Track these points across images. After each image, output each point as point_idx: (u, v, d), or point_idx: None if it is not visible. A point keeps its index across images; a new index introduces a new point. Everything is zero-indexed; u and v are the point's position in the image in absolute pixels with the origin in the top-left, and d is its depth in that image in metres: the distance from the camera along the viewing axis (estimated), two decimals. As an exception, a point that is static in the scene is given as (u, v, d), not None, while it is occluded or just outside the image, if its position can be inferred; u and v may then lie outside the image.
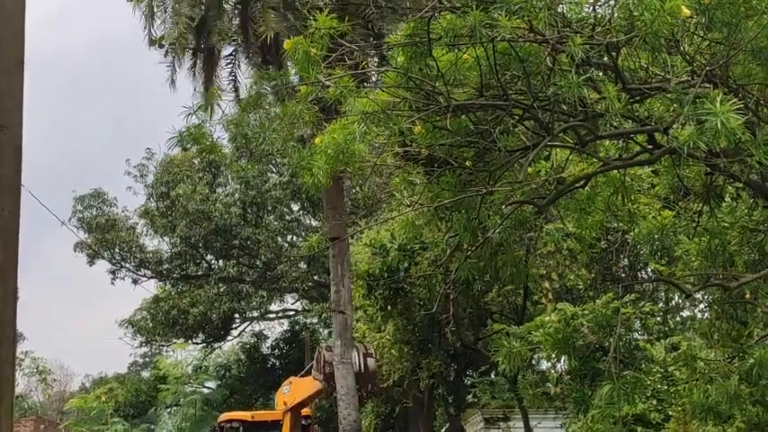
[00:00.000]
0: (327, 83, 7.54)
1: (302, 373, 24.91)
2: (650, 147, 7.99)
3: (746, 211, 9.84)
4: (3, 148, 5.97)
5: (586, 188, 8.67)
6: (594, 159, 8.50)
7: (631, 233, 10.46)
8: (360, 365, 21.97)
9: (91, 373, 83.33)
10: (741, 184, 9.00)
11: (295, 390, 23.44)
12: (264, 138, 39.57)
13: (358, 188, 39.31)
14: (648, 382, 13.36)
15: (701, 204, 9.43)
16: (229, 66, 24.09)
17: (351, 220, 39.05)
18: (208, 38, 22.86)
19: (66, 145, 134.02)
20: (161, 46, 23.36)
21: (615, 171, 8.58)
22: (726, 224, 9.61)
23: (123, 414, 47.07)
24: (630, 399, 9.28)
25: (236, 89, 23.30)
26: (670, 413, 16.12)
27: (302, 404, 24.07)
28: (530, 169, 8.17)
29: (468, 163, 8.26)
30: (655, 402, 16.63)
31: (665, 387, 15.15)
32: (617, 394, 8.62)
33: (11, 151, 5.69)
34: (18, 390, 55.86)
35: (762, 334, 10.57)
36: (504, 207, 8.38)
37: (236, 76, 23.95)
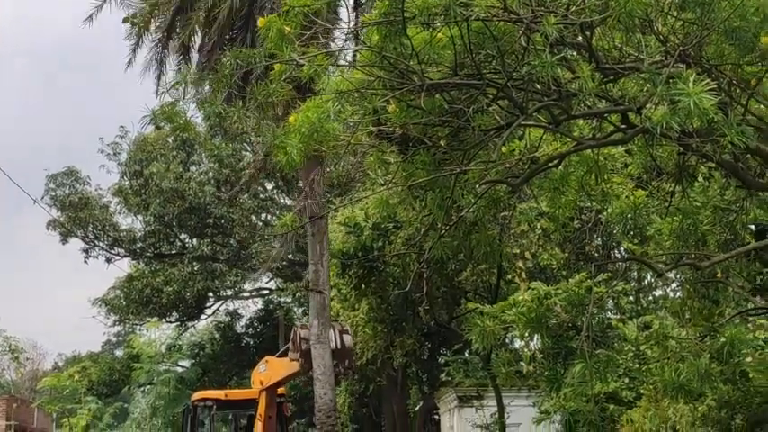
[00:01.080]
0: (301, 61, 7.51)
1: (279, 353, 24.87)
2: (624, 126, 8.01)
3: (719, 191, 9.90)
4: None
5: (560, 167, 8.69)
6: (568, 139, 8.52)
7: (604, 213, 10.50)
8: (336, 342, 21.97)
9: (64, 352, 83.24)
10: (714, 165, 9.05)
11: (272, 369, 23.40)
12: (238, 116, 39.43)
13: (332, 167, 39.23)
14: (620, 361, 13.44)
15: (673, 184, 9.47)
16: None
17: (325, 199, 38.99)
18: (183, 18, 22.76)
19: (38, 123, 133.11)
20: (133, 24, 23.21)
21: (589, 151, 8.60)
22: (698, 204, 9.67)
23: (97, 393, 46.98)
24: (603, 377, 9.34)
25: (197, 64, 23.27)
26: (642, 391, 16.23)
27: (278, 383, 24.06)
28: (504, 149, 8.18)
29: (442, 142, 8.25)
30: (627, 380, 16.73)
31: (637, 365, 15.24)
32: (589, 372, 8.67)
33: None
34: (-10, 368, 55.67)
35: (733, 313, 10.66)
36: (478, 186, 8.39)
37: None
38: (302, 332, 22.10)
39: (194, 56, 23.70)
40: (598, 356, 9.07)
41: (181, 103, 8.02)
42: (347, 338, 22.38)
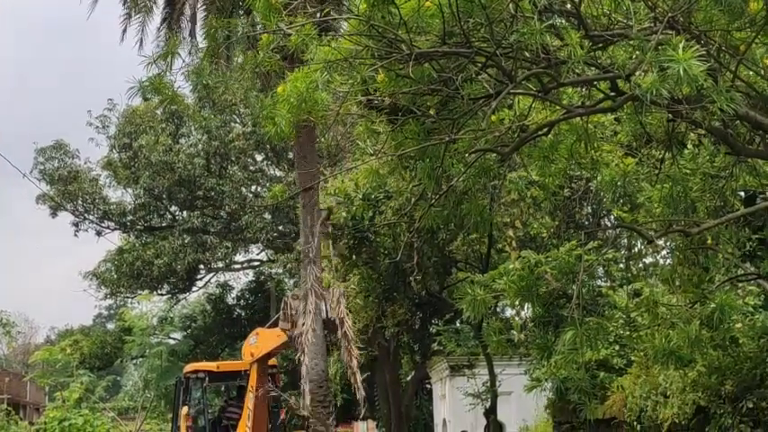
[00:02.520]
0: (289, 31, 7.46)
1: (269, 324, 24.87)
2: (613, 94, 8.00)
3: (708, 157, 9.90)
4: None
5: (549, 136, 8.68)
6: (557, 107, 8.50)
7: (594, 181, 10.49)
8: (327, 312, 22.02)
9: (56, 326, 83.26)
10: (703, 131, 9.04)
11: (262, 341, 23.43)
12: (226, 87, 39.29)
13: (321, 137, 39.16)
14: (611, 328, 13.48)
15: (663, 151, 9.47)
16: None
17: (315, 170, 38.90)
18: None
19: (26, 96, 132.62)
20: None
21: (578, 118, 8.58)
22: (688, 171, 9.67)
23: (89, 366, 47.00)
24: (593, 344, 9.37)
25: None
26: (632, 358, 16.30)
27: (269, 355, 24.10)
28: (493, 117, 8.15)
29: (431, 111, 8.23)
30: (617, 348, 16.80)
31: (628, 333, 15.29)
32: (580, 340, 8.69)
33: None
34: (-18, 343, 55.68)
35: (722, 279, 10.68)
36: (467, 155, 8.37)
37: (194, 25, 23.77)
38: (293, 303, 22.10)
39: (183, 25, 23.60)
40: (589, 324, 9.09)
41: (168, 74, 7.98)
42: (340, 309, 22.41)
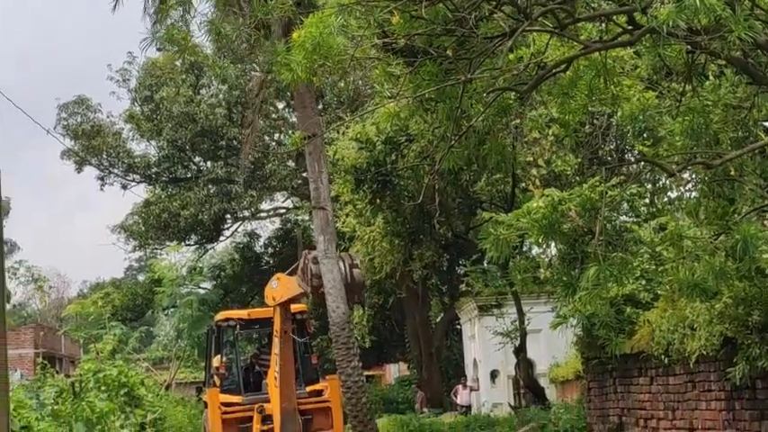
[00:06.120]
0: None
1: (290, 270, 24.81)
2: (630, 27, 7.93)
3: (730, 88, 9.80)
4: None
5: (568, 72, 8.62)
6: (575, 43, 8.44)
7: (615, 116, 10.42)
8: (347, 276, 21.84)
9: (88, 279, 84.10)
10: (724, 62, 8.96)
11: (282, 286, 23.41)
12: (237, 35, 39.12)
13: (341, 82, 39.04)
14: (636, 263, 13.47)
15: (683, 84, 9.39)
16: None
17: (335, 115, 38.87)
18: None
19: (47, 52, 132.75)
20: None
21: (596, 53, 8.52)
22: (709, 102, 9.58)
23: (121, 318, 47.48)
24: (618, 280, 9.37)
25: None
26: (659, 292, 16.27)
27: (291, 300, 24.10)
28: (510, 56, 8.11)
29: (448, 52, 8.19)
30: (644, 282, 16.75)
31: (654, 267, 15.24)
32: (603, 276, 8.70)
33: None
34: (16, 298, 56.29)
35: (747, 210, 10.62)
36: (486, 95, 8.34)
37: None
38: (313, 267, 21.75)
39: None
40: (612, 260, 9.09)
41: (183, 25, 7.97)
42: (357, 273, 22.26)
